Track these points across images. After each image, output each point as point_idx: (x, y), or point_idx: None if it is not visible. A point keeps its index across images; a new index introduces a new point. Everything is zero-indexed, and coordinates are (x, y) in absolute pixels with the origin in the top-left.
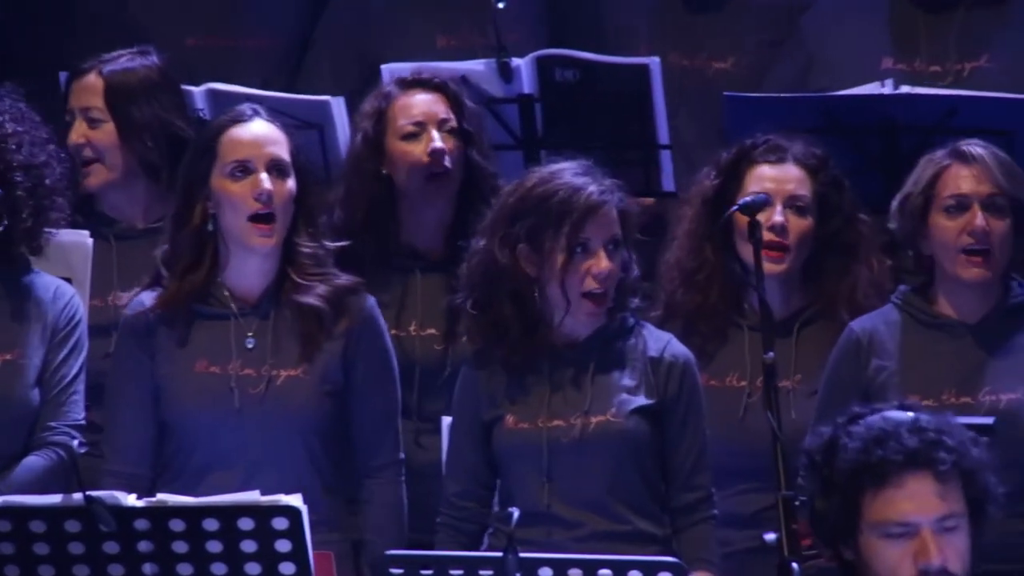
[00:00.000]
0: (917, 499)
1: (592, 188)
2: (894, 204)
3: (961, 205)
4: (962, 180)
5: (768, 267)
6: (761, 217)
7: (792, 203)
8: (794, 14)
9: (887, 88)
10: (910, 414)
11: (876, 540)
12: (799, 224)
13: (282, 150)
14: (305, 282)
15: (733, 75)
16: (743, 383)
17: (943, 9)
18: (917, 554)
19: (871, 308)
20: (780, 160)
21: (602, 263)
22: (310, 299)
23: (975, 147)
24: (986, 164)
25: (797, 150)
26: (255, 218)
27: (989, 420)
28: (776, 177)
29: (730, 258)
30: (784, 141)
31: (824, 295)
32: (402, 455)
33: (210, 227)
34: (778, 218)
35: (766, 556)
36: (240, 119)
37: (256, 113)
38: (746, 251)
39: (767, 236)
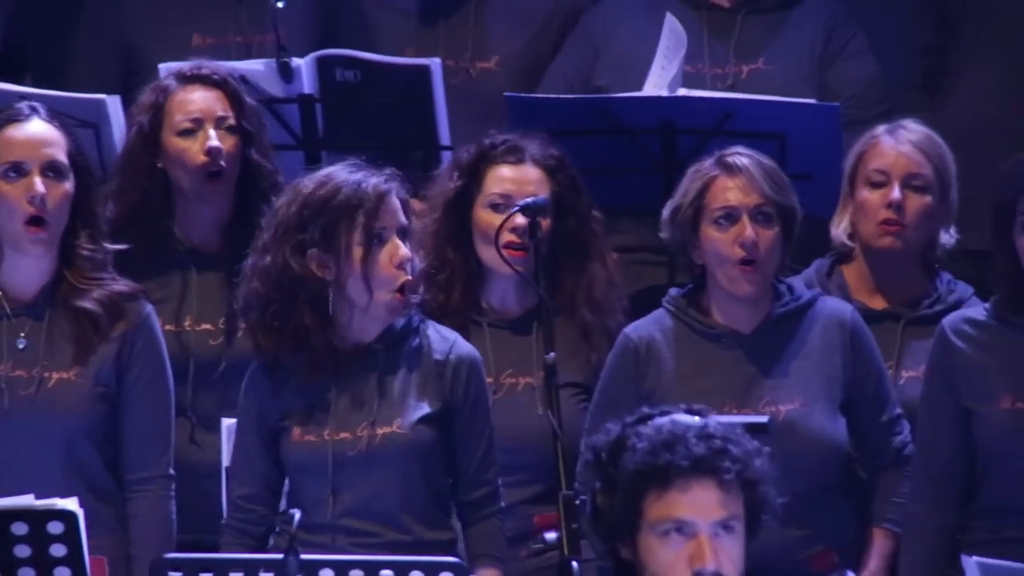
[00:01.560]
0: (699, 504)
1: (374, 179)
2: (665, 213)
3: (730, 217)
4: (729, 192)
5: (505, 267)
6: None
7: None
8: (559, 14)
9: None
10: (698, 419)
11: (655, 540)
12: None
13: (59, 151)
14: (81, 285)
15: (498, 74)
16: (488, 380)
17: (727, 13)
18: (693, 557)
19: (608, 305)
20: (519, 161)
21: (401, 250)
22: (86, 303)
23: (740, 157)
24: (751, 174)
25: (535, 150)
26: (28, 221)
27: (763, 419)
28: (515, 178)
29: (471, 258)
30: (522, 141)
31: (562, 293)
32: (172, 471)
33: None
34: (520, 220)
35: (511, 548)
36: (16, 118)
37: (34, 112)
38: (486, 252)
39: (510, 238)
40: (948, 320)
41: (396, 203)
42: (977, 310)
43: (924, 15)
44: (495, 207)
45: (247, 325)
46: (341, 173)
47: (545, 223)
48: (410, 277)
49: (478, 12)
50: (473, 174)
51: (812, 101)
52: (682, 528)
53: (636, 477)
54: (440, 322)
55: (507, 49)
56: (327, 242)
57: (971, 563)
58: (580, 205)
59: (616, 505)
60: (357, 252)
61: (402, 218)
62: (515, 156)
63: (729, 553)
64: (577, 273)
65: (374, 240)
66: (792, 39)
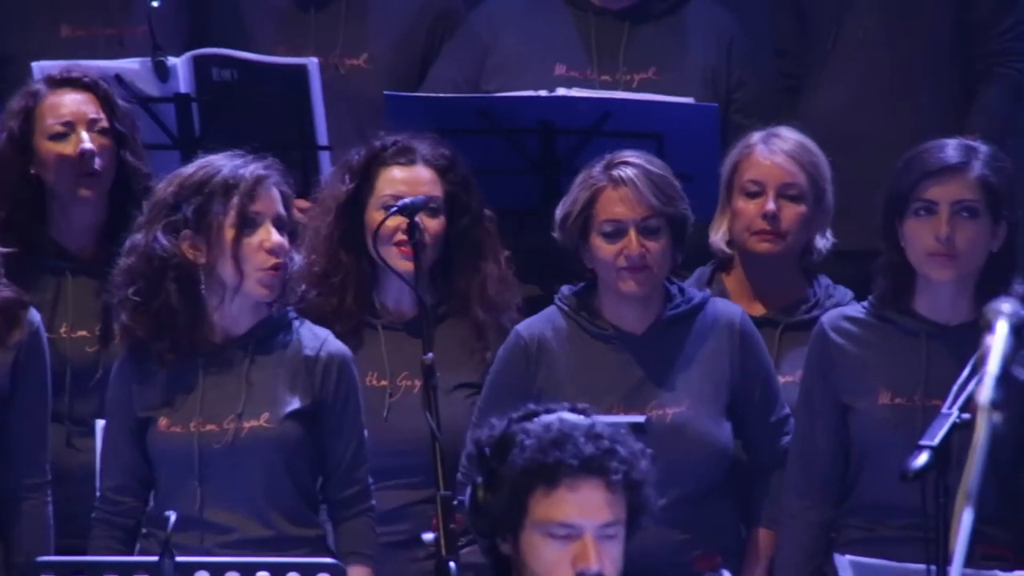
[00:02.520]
0: (586, 504)
1: (253, 165)
2: (558, 216)
3: (617, 231)
4: (616, 205)
5: (402, 265)
6: (396, 220)
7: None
8: (429, 14)
9: (546, 92)
10: (585, 418)
11: (539, 538)
12: (432, 224)
13: None
14: None
15: (367, 72)
16: (384, 382)
17: (616, 19)
18: (577, 558)
19: (502, 303)
20: (410, 162)
21: (274, 236)
22: None
23: (628, 168)
24: (637, 187)
25: (426, 151)
26: None
27: (641, 419)
28: (407, 179)
29: (365, 260)
30: (412, 142)
31: (456, 293)
32: (50, 476)
33: None
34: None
35: (408, 550)
36: None
37: None
38: (385, 252)
39: (401, 238)
40: (827, 317)
41: (274, 191)
42: (855, 307)
43: (784, 19)
44: (388, 209)
45: (116, 302)
46: (222, 159)
47: (438, 223)
48: (279, 261)
49: (349, 9)
50: (364, 176)
51: (690, 101)
52: (568, 529)
53: (524, 474)
54: (334, 325)
55: (377, 47)
56: (199, 223)
57: (844, 561)
58: (473, 204)
59: (500, 501)
60: (228, 234)
61: (279, 208)
62: (406, 157)
63: (611, 555)
64: (471, 272)
65: (247, 223)
66: (684, 49)
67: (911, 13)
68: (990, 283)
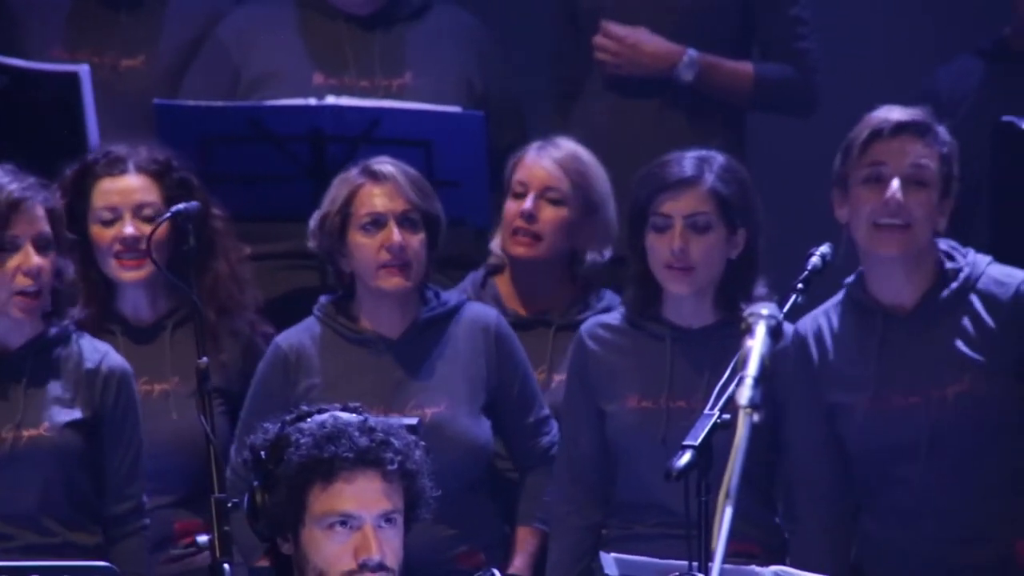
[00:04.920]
0: (364, 496)
1: (13, 186)
2: (312, 223)
3: (377, 222)
4: (376, 198)
5: (125, 275)
6: (113, 231)
7: (138, 212)
8: (208, 19)
9: (316, 100)
10: (357, 415)
11: (320, 533)
12: (146, 229)
13: None
14: None
15: (144, 73)
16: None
17: (365, 26)
18: (359, 548)
19: (235, 304)
20: (121, 172)
21: (32, 259)
22: None
23: (385, 165)
24: (397, 181)
25: (140, 159)
26: None
27: (413, 420)
28: (120, 189)
29: (94, 271)
30: (125, 151)
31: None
32: None
33: None
34: (128, 229)
35: (154, 554)
36: None
37: None
38: (105, 266)
39: (119, 248)
40: (585, 326)
41: (36, 210)
42: (612, 314)
43: (557, 25)
44: (104, 223)
45: None
46: None
47: (149, 227)
48: (33, 284)
49: (128, 10)
50: (78, 191)
51: (457, 109)
52: (347, 521)
53: (301, 471)
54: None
55: (154, 49)
56: None
57: (608, 559)
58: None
59: (278, 501)
60: None
61: (42, 227)
62: (117, 168)
63: (392, 544)
64: (201, 272)
65: (3, 247)
66: (437, 53)
67: (686, 22)
68: (732, 287)
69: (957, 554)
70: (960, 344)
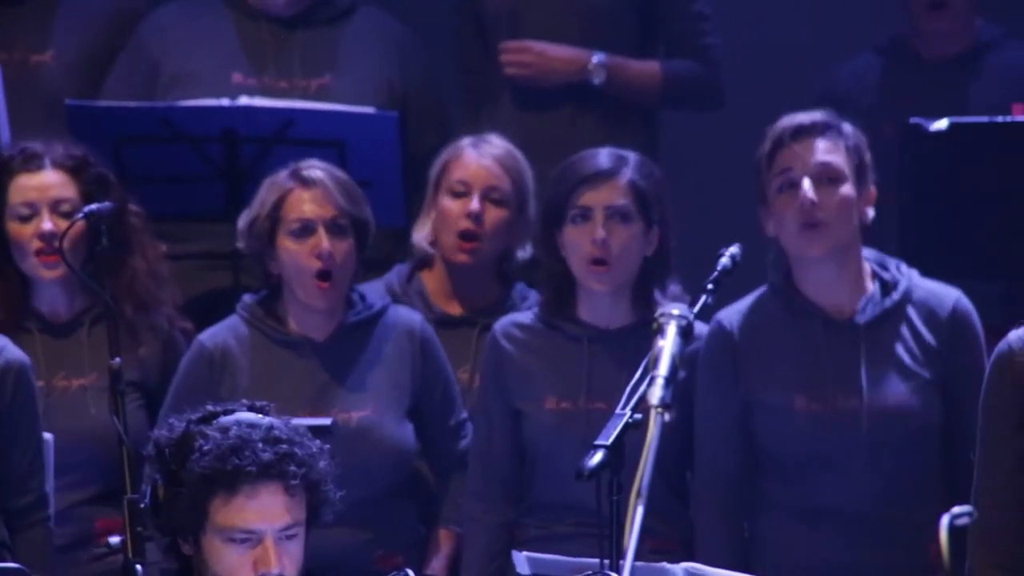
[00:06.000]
0: (265, 510)
1: None
2: (241, 224)
3: (306, 228)
4: (305, 204)
5: (45, 273)
6: (31, 228)
7: (56, 208)
8: (119, 17)
9: (228, 100)
10: (264, 419)
11: (220, 543)
12: (63, 225)
13: None
14: None
15: (53, 68)
16: (41, 383)
17: (286, 26)
18: (258, 562)
19: (153, 300)
20: (38, 168)
21: None
22: None
23: (315, 170)
24: (326, 187)
25: (56, 155)
26: None
27: (327, 421)
28: (36, 185)
29: (10, 268)
30: (42, 147)
31: (105, 291)
32: None
33: None
34: (46, 225)
35: (69, 553)
36: None
37: None
38: (23, 264)
39: (38, 245)
40: (499, 324)
41: None
42: (525, 314)
43: (466, 36)
44: (22, 219)
45: None
46: None
47: (66, 223)
48: None
49: (37, 5)
50: None
51: (371, 110)
52: (248, 536)
53: (203, 481)
54: None
55: (62, 44)
56: None
57: (520, 558)
58: (111, 200)
59: (181, 504)
60: None
61: None
62: (34, 164)
63: (292, 555)
64: (118, 269)
65: None
66: (357, 56)
67: (590, 25)
68: (647, 287)
69: (869, 558)
70: (902, 355)
